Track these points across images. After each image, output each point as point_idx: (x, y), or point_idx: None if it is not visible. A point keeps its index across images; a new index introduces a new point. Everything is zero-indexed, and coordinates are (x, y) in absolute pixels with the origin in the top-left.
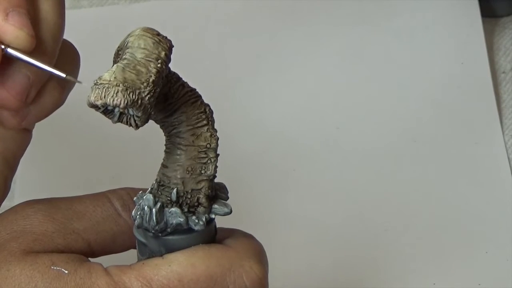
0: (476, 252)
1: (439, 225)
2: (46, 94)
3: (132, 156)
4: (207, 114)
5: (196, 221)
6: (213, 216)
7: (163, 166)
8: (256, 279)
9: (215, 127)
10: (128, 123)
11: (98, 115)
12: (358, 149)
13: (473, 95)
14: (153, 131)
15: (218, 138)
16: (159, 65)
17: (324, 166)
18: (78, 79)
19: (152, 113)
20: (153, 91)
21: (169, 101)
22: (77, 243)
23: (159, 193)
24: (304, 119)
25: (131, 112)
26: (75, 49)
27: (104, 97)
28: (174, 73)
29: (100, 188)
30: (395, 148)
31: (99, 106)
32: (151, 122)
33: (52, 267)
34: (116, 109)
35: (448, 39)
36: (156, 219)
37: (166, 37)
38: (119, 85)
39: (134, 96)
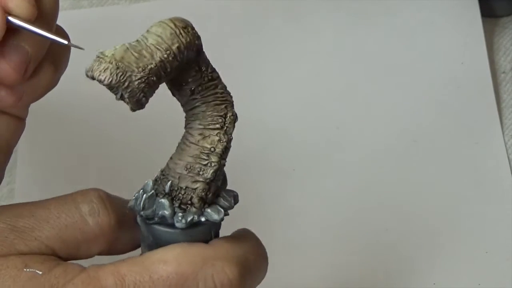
0: (476, 252)
1: (439, 225)
2: (41, 74)
3: (132, 156)
4: (226, 120)
5: (180, 218)
6: (203, 219)
7: (171, 157)
8: (225, 280)
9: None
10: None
11: (98, 115)
12: (358, 149)
13: (473, 95)
14: (153, 132)
15: (227, 147)
16: (165, 55)
17: (324, 166)
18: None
19: (181, 101)
20: (146, 78)
21: (193, 96)
22: (41, 250)
23: (159, 181)
24: (304, 118)
25: (120, 93)
26: (66, 32)
27: (93, 70)
28: (212, 72)
29: (101, 187)
30: (395, 148)
31: (88, 77)
32: (148, 122)
33: (25, 269)
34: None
35: (448, 39)
36: (143, 204)
37: (193, 33)
38: (112, 63)
39: (122, 77)
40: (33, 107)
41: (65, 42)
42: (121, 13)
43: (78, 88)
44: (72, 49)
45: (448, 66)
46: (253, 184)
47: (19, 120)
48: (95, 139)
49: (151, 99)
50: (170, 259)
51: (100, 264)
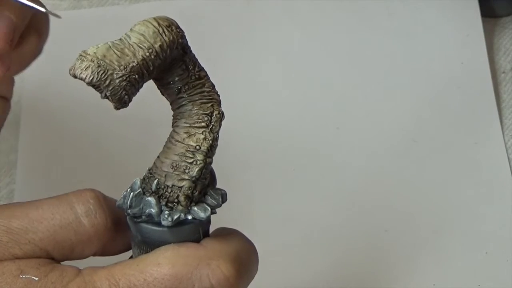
0: (476, 252)
1: (439, 225)
2: (26, 43)
3: (132, 156)
4: (212, 118)
5: (166, 216)
6: (189, 217)
7: (158, 155)
8: (222, 278)
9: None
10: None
11: (98, 115)
12: (358, 149)
13: (473, 95)
14: (152, 132)
15: (213, 145)
16: (147, 54)
17: (324, 166)
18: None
19: (169, 100)
20: (127, 76)
21: (180, 95)
22: (35, 252)
23: (146, 180)
24: (304, 118)
25: (104, 92)
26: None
27: (75, 68)
28: (200, 71)
29: (99, 188)
30: (395, 148)
31: (71, 75)
32: (149, 122)
33: (21, 276)
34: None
35: (448, 39)
36: (130, 202)
37: (177, 32)
38: (93, 61)
39: (103, 76)
40: (33, 107)
41: (43, 9)
42: (121, 13)
43: (77, 89)
44: (77, 44)
45: (448, 66)
46: (253, 183)
47: (4, 100)
48: (95, 139)
49: (154, 100)
50: (163, 261)
51: (95, 266)
